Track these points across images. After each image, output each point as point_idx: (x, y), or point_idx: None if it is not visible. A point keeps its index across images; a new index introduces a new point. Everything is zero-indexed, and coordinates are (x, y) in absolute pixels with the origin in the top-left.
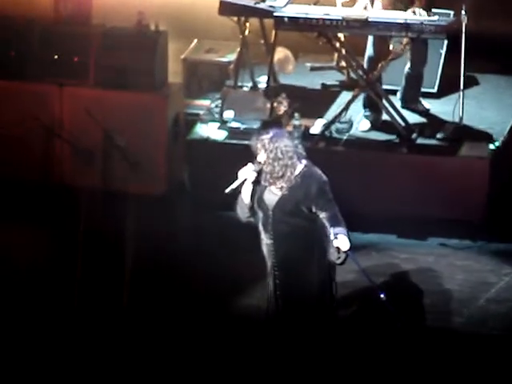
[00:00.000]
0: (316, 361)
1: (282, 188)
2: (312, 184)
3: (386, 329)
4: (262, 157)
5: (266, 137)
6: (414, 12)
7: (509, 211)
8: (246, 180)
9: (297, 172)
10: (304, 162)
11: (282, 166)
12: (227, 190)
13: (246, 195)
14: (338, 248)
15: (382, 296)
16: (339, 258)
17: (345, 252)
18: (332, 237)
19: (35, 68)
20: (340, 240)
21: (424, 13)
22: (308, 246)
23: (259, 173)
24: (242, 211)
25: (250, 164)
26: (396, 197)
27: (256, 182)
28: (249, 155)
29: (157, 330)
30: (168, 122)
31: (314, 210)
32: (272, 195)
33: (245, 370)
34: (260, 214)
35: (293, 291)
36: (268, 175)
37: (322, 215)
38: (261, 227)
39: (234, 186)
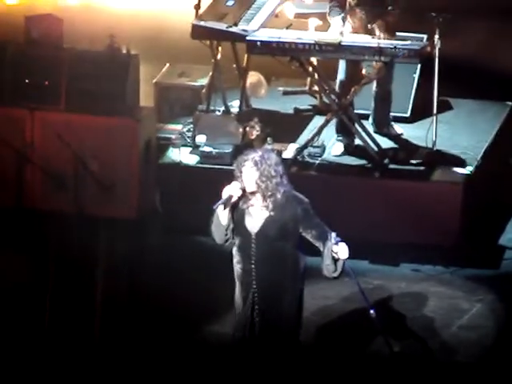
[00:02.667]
0: None
1: (267, 208)
2: (297, 205)
3: (360, 356)
4: (250, 175)
5: (256, 154)
6: (373, 36)
7: (481, 236)
8: (232, 197)
9: (282, 192)
10: (286, 183)
11: (274, 185)
12: (215, 206)
13: (223, 217)
14: (333, 259)
15: (371, 312)
16: (335, 270)
17: (343, 260)
18: (333, 241)
19: (6, 92)
20: (341, 246)
21: (383, 36)
22: (286, 271)
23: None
24: (219, 234)
25: (235, 182)
26: (369, 222)
27: (234, 206)
28: (220, 179)
29: (127, 355)
30: (140, 146)
31: (301, 230)
32: (254, 219)
33: None
34: (237, 240)
35: (271, 317)
36: (259, 194)
37: (312, 233)
38: (237, 252)
39: (220, 202)
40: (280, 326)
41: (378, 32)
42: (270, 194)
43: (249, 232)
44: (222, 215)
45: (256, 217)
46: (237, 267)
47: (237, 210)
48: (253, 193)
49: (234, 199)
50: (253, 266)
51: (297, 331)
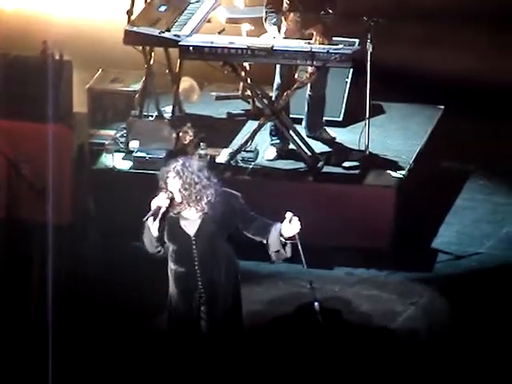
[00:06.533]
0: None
1: (203, 210)
2: (231, 200)
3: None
4: (174, 185)
5: (177, 164)
6: (309, 43)
7: (415, 240)
8: (160, 208)
9: (214, 191)
10: (215, 180)
11: (200, 189)
12: (145, 219)
13: (154, 227)
14: (282, 244)
15: (316, 304)
16: (285, 255)
17: (291, 239)
18: (288, 217)
19: None
20: (294, 220)
21: (319, 40)
22: (226, 268)
23: (169, 204)
24: (151, 244)
25: (161, 193)
26: (302, 225)
27: (165, 215)
28: (154, 185)
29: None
30: (73, 152)
31: (240, 225)
32: (191, 222)
33: None
34: (175, 246)
35: (218, 315)
36: (185, 201)
37: (253, 226)
38: (176, 257)
39: (150, 214)
40: (227, 323)
41: (315, 36)
42: (195, 199)
43: (187, 235)
44: (153, 227)
45: (192, 219)
46: (177, 272)
47: (169, 218)
48: (181, 202)
49: (162, 210)
50: (196, 267)
51: (241, 324)
